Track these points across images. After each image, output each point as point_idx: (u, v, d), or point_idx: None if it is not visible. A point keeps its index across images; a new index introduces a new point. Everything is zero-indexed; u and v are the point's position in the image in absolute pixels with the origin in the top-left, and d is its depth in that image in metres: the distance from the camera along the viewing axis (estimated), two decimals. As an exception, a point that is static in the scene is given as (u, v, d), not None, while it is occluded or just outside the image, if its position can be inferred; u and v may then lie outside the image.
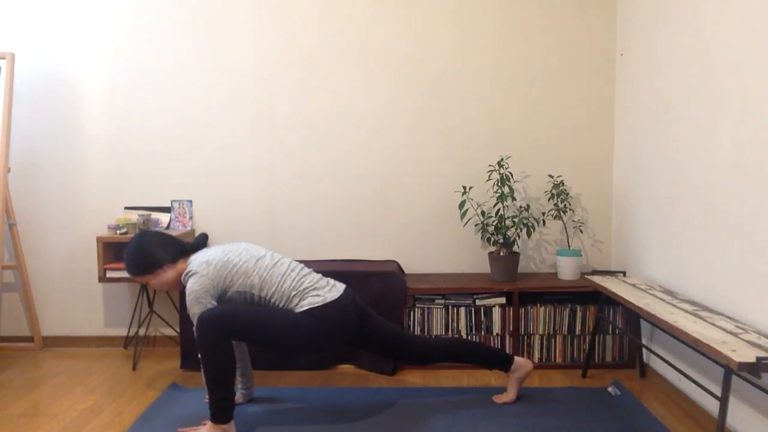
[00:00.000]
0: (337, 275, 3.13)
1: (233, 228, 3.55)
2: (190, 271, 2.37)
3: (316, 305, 2.35)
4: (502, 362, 2.67)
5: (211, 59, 3.48)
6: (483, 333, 3.18)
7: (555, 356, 3.18)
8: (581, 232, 3.52)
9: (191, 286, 2.33)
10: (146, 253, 2.42)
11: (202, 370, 2.25)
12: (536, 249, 3.54)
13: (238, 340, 2.28)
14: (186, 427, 2.43)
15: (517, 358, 2.69)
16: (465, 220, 3.51)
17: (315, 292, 2.40)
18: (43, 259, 3.58)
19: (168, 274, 2.45)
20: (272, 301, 2.39)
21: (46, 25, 3.49)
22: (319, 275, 2.50)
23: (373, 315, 2.57)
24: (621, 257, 3.37)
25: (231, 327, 2.23)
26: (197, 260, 2.39)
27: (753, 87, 2.13)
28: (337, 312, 2.38)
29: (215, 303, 2.35)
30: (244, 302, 2.40)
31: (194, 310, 2.30)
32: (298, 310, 2.36)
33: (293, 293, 2.38)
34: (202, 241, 2.58)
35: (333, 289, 2.43)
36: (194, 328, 2.25)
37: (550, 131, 3.48)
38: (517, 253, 3.27)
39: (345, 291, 2.46)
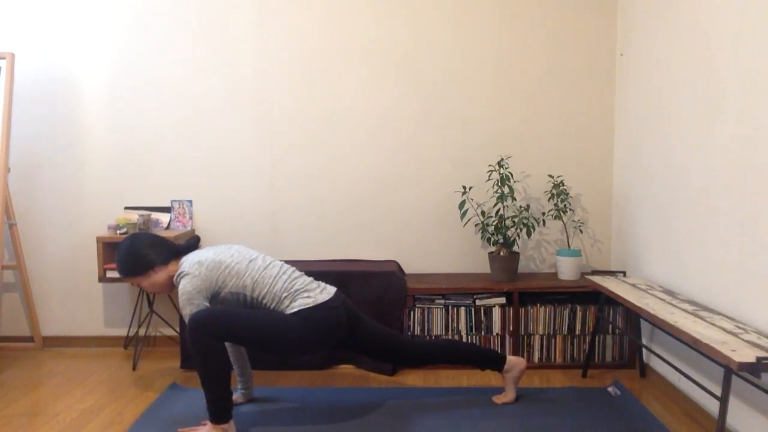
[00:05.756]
0: (337, 275, 3.13)
1: (233, 228, 3.55)
2: (182, 272, 2.37)
3: (307, 306, 2.35)
4: (495, 362, 2.67)
5: (211, 59, 3.48)
6: (483, 333, 3.18)
7: (555, 356, 3.18)
8: (581, 232, 3.52)
9: (183, 286, 2.33)
10: (137, 254, 2.42)
11: (197, 370, 2.25)
12: (536, 249, 3.54)
13: (229, 341, 2.28)
14: (186, 427, 2.43)
15: (509, 358, 2.69)
16: (465, 220, 3.51)
17: (306, 294, 2.40)
18: (43, 259, 3.58)
19: (159, 275, 2.45)
20: (264, 302, 2.39)
21: (46, 25, 3.49)
22: (311, 278, 2.50)
23: (363, 318, 2.57)
24: (621, 257, 3.37)
25: (222, 327, 2.24)
26: (189, 261, 2.40)
27: (753, 87, 2.13)
28: (327, 313, 2.38)
29: (207, 304, 2.35)
30: (237, 303, 2.40)
31: (186, 311, 2.31)
32: (289, 311, 2.36)
33: (284, 294, 2.39)
34: (193, 243, 2.58)
35: (324, 292, 2.44)
36: (186, 329, 2.25)
37: (550, 131, 3.48)
38: (517, 253, 3.27)
39: (336, 293, 2.46)
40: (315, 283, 2.47)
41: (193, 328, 2.22)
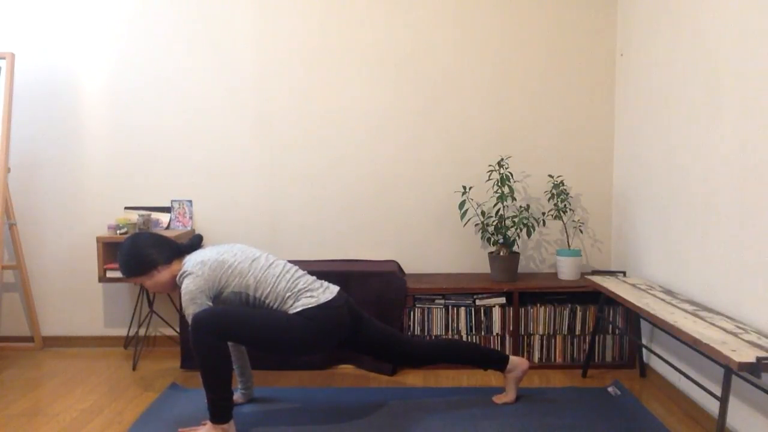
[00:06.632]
0: (337, 275, 3.13)
1: (233, 228, 3.55)
2: (185, 272, 2.37)
3: (310, 306, 2.35)
4: (497, 362, 2.67)
5: (211, 59, 3.48)
6: (483, 333, 3.18)
7: (555, 356, 3.18)
8: (581, 232, 3.52)
9: (186, 286, 2.33)
10: (140, 254, 2.42)
11: (199, 370, 2.25)
12: (536, 249, 3.54)
13: (232, 341, 2.27)
14: (186, 427, 2.43)
15: (512, 358, 2.69)
16: (465, 220, 3.51)
17: (309, 294, 2.39)
18: (43, 259, 3.58)
19: (162, 275, 2.44)
20: (267, 301, 2.39)
21: (46, 25, 3.49)
22: (313, 277, 2.50)
23: (366, 317, 2.56)
24: (621, 257, 3.37)
25: (225, 327, 2.23)
26: (192, 261, 2.39)
27: (753, 87, 2.13)
28: (330, 313, 2.37)
29: (210, 303, 2.35)
30: (239, 303, 2.40)
31: (189, 311, 2.30)
32: (292, 311, 2.36)
33: (287, 294, 2.38)
34: (196, 242, 2.57)
35: (327, 291, 2.43)
36: (189, 329, 2.25)
37: (550, 131, 3.48)
38: (517, 253, 3.27)
39: (338, 293, 2.46)
40: (318, 283, 2.47)
41: (195, 327, 2.22)
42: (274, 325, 2.30)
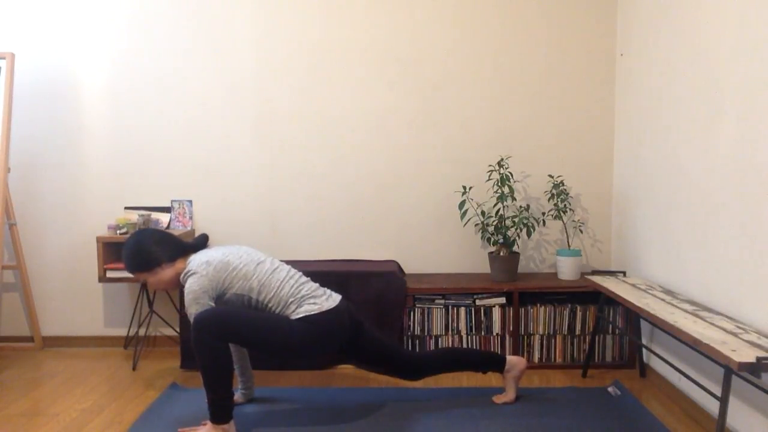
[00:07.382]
0: (337, 275, 3.13)
1: (233, 228, 3.55)
2: (189, 271, 2.37)
3: (312, 313, 2.35)
4: (495, 364, 2.68)
5: (211, 59, 3.48)
6: (483, 333, 3.18)
7: (555, 356, 3.18)
8: (581, 232, 3.52)
9: (190, 285, 2.32)
10: (144, 250, 2.42)
11: (199, 370, 2.25)
12: (536, 249, 3.54)
13: (233, 342, 2.27)
14: (186, 427, 2.43)
15: (509, 358, 2.69)
16: (465, 220, 3.51)
17: (312, 300, 2.39)
18: (43, 259, 3.58)
19: (166, 272, 2.44)
20: (269, 305, 2.39)
21: (46, 25, 3.49)
22: (317, 284, 2.49)
23: (367, 326, 2.56)
24: (621, 257, 3.37)
25: (226, 328, 2.23)
26: (197, 260, 2.39)
27: (753, 87, 2.13)
28: (332, 319, 2.37)
29: (213, 304, 2.34)
30: (241, 305, 2.40)
31: (192, 310, 2.30)
32: (294, 316, 2.35)
33: (290, 300, 2.38)
34: (202, 242, 2.57)
35: (330, 299, 2.43)
36: (191, 328, 2.25)
37: (550, 131, 3.48)
38: (517, 253, 3.27)
39: (341, 301, 2.46)
40: (321, 290, 2.47)
41: (197, 328, 2.22)
42: (274, 329, 2.30)
